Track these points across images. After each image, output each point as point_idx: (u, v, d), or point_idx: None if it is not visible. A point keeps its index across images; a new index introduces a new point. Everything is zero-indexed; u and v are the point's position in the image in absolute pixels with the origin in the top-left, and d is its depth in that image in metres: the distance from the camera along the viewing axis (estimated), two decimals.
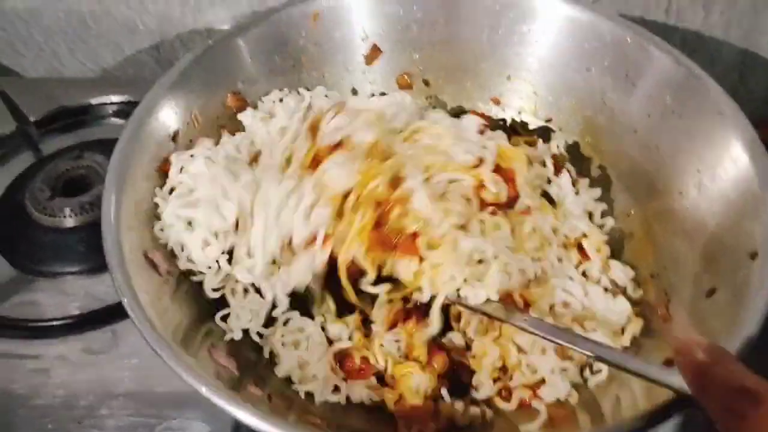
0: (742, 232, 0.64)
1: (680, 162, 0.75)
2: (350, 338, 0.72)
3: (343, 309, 0.73)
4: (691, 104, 0.74)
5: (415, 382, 0.68)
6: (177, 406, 0.73)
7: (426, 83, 0.93)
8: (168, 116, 0.75)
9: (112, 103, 1.06)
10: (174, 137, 0.76)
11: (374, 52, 0.90)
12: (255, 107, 0.85)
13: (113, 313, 0.80)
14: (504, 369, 0.70)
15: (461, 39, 0.89)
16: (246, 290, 0.72)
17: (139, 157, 0.70)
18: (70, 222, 0.89)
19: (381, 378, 0.71)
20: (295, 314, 0.72)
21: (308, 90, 0.88)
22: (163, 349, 0.56)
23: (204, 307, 0.71)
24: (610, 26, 0.81)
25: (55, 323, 0.80)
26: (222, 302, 0.72)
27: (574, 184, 0.83)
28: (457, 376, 0.71)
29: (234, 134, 0.82)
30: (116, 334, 0.80)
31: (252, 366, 0.67)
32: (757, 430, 0.43)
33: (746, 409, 0.44)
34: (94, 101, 1.06)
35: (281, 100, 0.86)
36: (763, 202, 0.64)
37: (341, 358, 0.70)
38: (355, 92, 0.93)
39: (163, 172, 0.73)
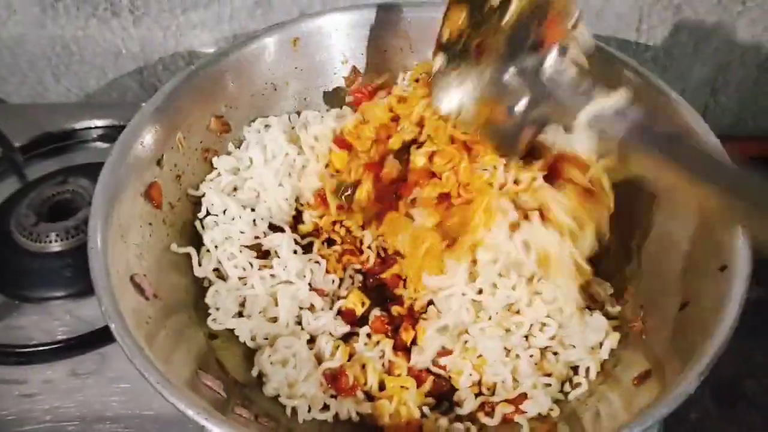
0: (712, 246, 0.66)
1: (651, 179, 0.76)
2: (333, 354, 0.73)
3: None
4: (660, 122, 0.75)
5: (406, 398, 0.69)
6: (166, 429, 0.74)
7: None
8: (152, 141, 0.76)
9: (96, 127, 1.06)
10: (159, 162, 0.77)
11: (354, 74, 0.92)
12: (239, 131, 0.87)
13: (100, 337, 0.80)
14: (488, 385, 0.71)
15: None
16: None
17: (124, 182, 0.71)
18: (55, 247, 0.89)
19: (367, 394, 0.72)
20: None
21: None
22: (150, 372, 0.56)
23: (192, 330, 0.72)
24: None
25: (41, 348, 0.80)
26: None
27: None
28: (441, 393, 0.72)
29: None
30: (104, 357, 0.80)
31: (239, 387, 0.68)
32: None
33: None
34: (78, 126, 1.07)
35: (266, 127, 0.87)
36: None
37: (332, 376, 0.71)
38: None
39: (148, 196, 0.74)
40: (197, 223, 0.80)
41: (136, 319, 0.62)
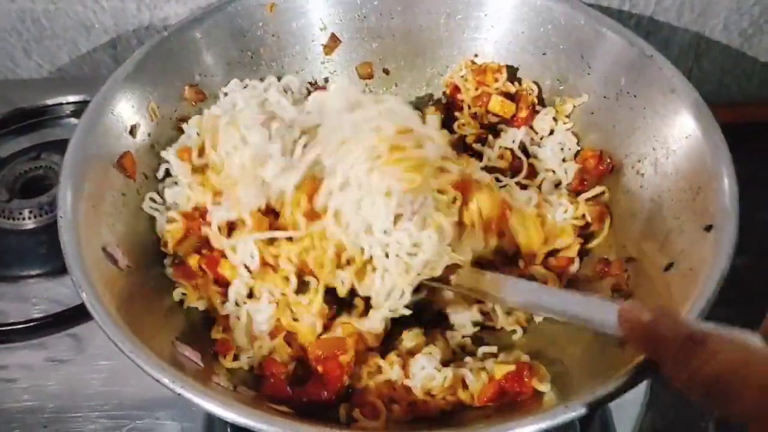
0: (697, 206, 0.66)
1: (636, 141, 0.76)
2: None
3: None
4: (644, 83, 0.76)
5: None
6: (147, 406, 0.73)
7: (386, 72, 0.93)
8: (124, 110, 0.75)
9: (68, 103, 1.04)
10: (132, 131, 0.76)
11: (333, 42, 0.90)
12: (215, 98, 0.85)
13: (77, 315, 0.79)
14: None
15: (419, 26, 0.89)
16: None
17: (95, 151, 0.70)
18: (29, 224, 0.88)
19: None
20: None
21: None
22: (123, 342, 0.55)
23: (168, 301, 0.70)
24: (564, 9, 0.82)
25: (17, 327, 0.79)
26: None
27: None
28: None
29: None
30: (82, 335, 0.79)
31: (218, 359, 0.67)
32: (702, 371, 0.44)
33: (692, 355, 0.45)
34: (50, 102, 1.04)
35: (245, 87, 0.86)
36: (715, 175, 0.66)
37: None
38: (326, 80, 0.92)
39: (121, 166, 0.73)
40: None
41: (109, 289, 0.60)
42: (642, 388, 0.75)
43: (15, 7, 1.06)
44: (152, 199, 0.75)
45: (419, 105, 0.93)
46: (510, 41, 0.87)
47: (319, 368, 0.65)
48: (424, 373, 0.65)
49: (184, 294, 0.72)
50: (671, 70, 0.74)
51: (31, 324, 0.79)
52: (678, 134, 0.71)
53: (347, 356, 0.66)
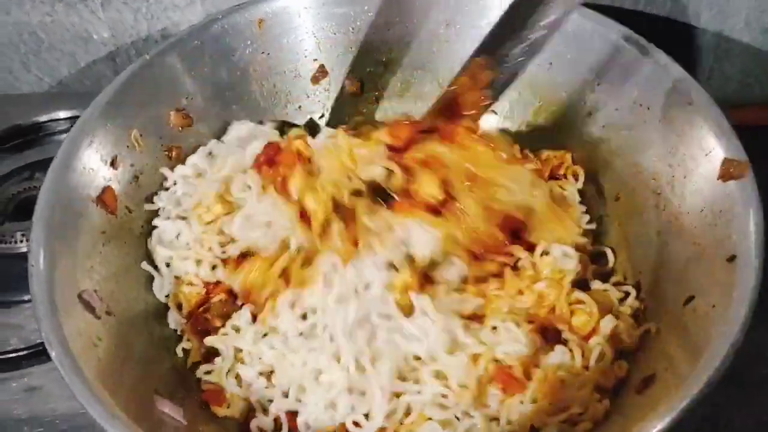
0: (718, 233, 0.62)
1: (650, 157, 0.73)
2: None
3: None
4: (659, 95, 0.73)
5: None
6: None
7: (380, 88, 0.91)
8: (104, 140, 0.73)
9: (65, 119, 1.03)
10: (113, 162, 0.73)
11: (321, 74, 0.89)
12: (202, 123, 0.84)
13: None
14: None
15: (417, 37, 0.87)
16: None
17: (72, 188, 0.68)
18: (23, 247, 0.86)
19: None
20: None
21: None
22: (93, 407, 0.52)
23: (150, 347, 0.68)
24: (572, 16, 0.77)
25: (13, 355, 0.78)
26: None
27: None
28: None
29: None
30: None
31: (205, 410, 0.66)
32: None
33: None
34: (49, 117, 1.04)
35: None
36: (738, 199, 0.62)
37: None
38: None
39: (101, 202, 0.71)
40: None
41: (82, 342, 0.58)
42: None
43: (10, 20, 1.05)
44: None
45: None
46: None
47: None
48: None
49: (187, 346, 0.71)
50: (689, 80, 0.71)
51: (29, 351, 0.77)
52: (697, 151, 0.68)
53: None
